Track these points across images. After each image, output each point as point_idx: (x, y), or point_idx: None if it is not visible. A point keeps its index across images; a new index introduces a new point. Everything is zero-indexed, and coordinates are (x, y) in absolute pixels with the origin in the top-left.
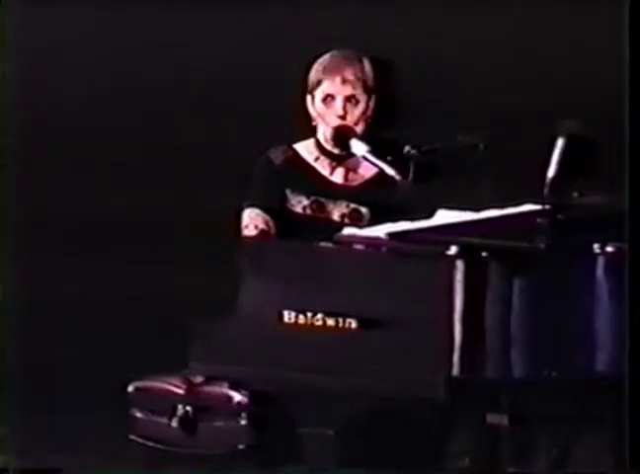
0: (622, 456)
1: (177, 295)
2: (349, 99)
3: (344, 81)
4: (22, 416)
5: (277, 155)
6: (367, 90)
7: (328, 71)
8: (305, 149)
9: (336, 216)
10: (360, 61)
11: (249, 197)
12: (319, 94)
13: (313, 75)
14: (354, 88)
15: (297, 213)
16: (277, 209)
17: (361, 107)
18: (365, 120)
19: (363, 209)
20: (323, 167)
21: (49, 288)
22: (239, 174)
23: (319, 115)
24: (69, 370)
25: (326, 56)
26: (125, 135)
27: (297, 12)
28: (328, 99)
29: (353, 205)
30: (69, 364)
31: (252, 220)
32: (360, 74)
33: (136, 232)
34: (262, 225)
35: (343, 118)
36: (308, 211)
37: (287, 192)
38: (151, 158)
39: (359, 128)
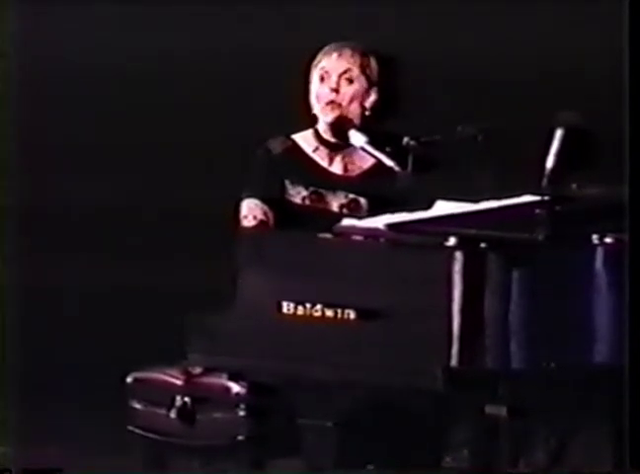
0: (622, 450)
1: (176, 287)
2: (342, 74)
3: (340, 56)
4: (22, 409)
5: (275, 146)
6: (366, 76)
7: (327, 52)
8: (304, 140)
9: (335, 207)
10: (364, 53)
11: (248, 188)
12: (317, 74)
13: (315, 60)
14: (349, 64)
15: (296, 204)
16: (275, 200)
17: (356, 87)
18: (362, 108)
19: (362, 200)
20: (322, 157)
21: (48, 283)
22: (238, 165)
23: (315, 95)
24: (68, 361)
25: (330, 45)
26: (125, 129)
27: (298, 5)
28: (324, 76)
29: (351, 196)
30: (68, 356)
31: (251, 211)
32: (357, 56)
33: (136, 223)
34: (260, 216)
35: (336, 91)
36: (307, 202)
37: (286, 182)
38: (151, 150)
39: (352, 110)
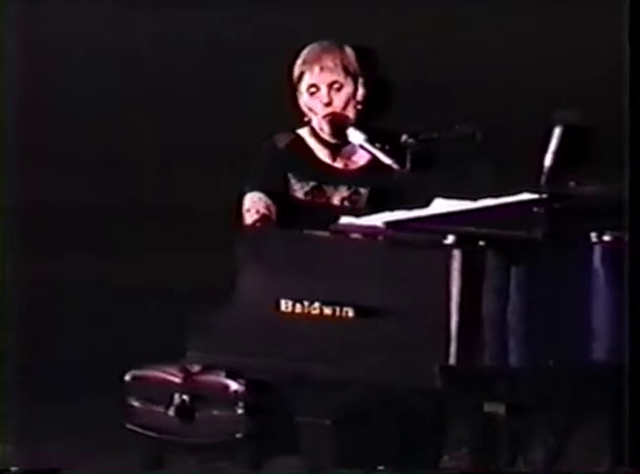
0: (621, 448)
1: (175, 284)
2: (332, 85)
3: (322, 69)
4: (22, 409)
5: (281, 140)
6: (351, 74)
7: (307, 62)
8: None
9: (336, 201)
10: (340, 48)
11: (251, 182)
12: (304, 86)
13: (295, 70)
14: (334, 74)
15: (299, 199)
16: (279, 194)
17: (346, 91)
18: (355, 105)
19: (363, 190)
20: (324, 153)
21: (47, 282)
22: (240, 161)
23: (308, 107)
24: (68, 360)
25: (305, 49)
26: (126, 126)
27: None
28: (312, 89)
29: (353, 188)
30: (67, 354)
31: (254, 204)
32: (338, 60)
33: (136, 221)
34: (263, 210)
35: (329, 104)
36: (309, 197)
37: (290, 176)
38: (151, 147)
39: (348, 113)
